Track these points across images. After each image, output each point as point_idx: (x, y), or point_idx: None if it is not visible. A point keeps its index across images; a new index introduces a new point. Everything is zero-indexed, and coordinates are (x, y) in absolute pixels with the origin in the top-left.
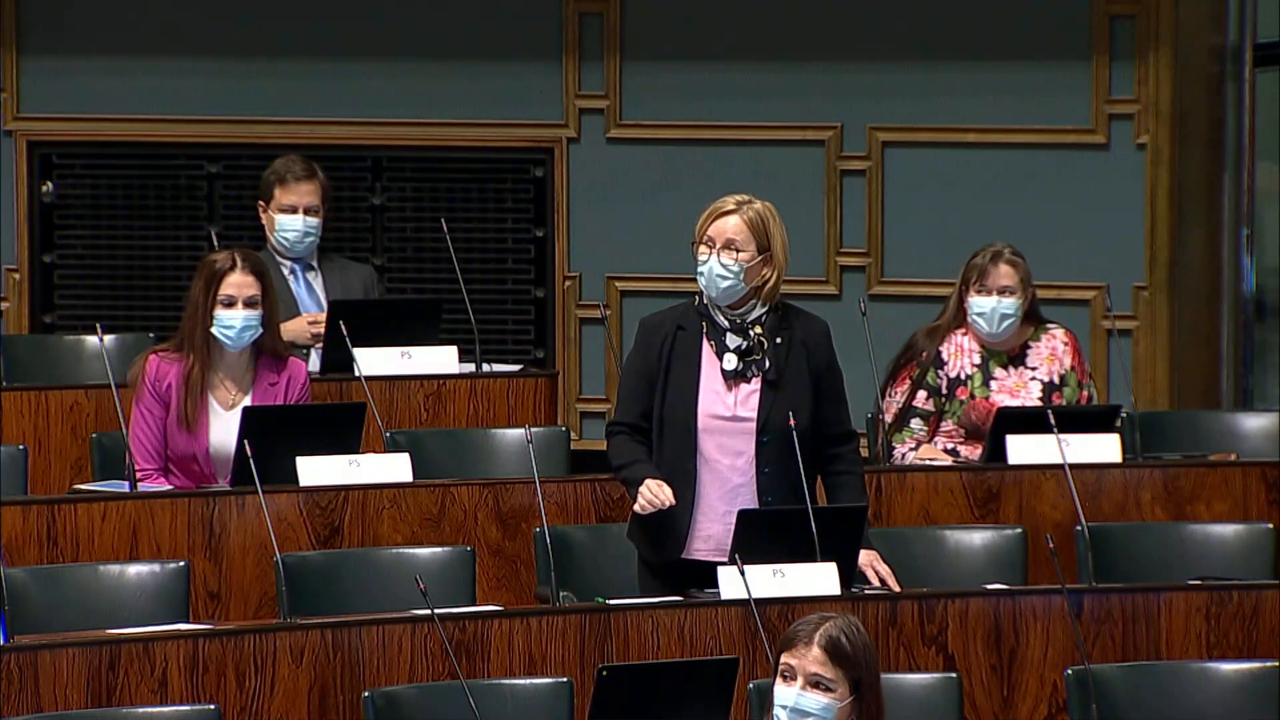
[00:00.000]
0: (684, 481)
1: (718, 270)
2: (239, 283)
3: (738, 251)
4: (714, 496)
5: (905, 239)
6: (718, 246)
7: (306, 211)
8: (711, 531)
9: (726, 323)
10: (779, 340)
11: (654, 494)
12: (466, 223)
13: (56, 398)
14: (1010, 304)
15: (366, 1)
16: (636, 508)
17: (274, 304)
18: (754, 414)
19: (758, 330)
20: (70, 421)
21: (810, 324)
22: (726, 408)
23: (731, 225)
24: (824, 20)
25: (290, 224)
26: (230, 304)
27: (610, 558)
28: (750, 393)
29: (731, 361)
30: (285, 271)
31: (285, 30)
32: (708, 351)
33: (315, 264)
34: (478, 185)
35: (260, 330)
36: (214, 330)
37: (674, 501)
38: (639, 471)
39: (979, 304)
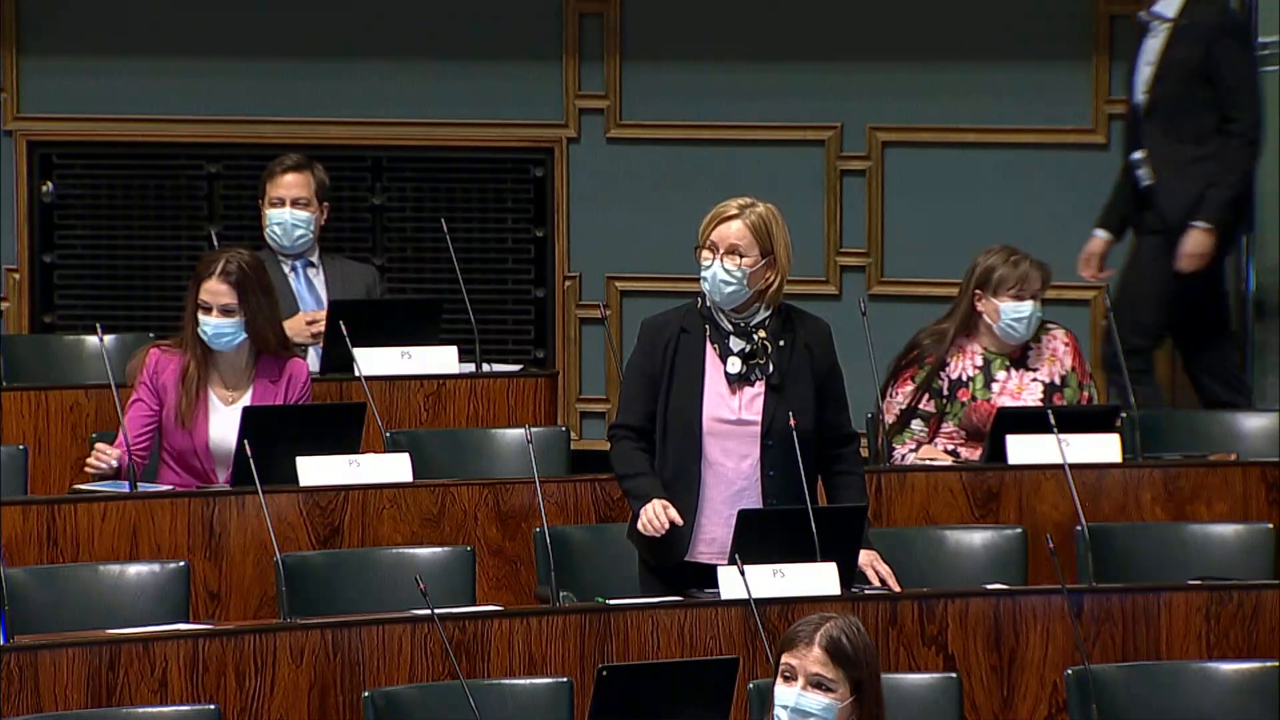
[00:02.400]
0: (688, 484)
1: (721, 275)
2: (213, 290)
3: (741, 256)
4: (718, 500)
5: (905, 239)
6: (721, 252)
7: (294, 204)
8: (715, 534)
9: (730, 326)
10: (782, 343)
11: (658, 516)
12: (466, 223)
13: (56, 398)
14: (1038, 307)
15: (366, 1)
16: (639, 527)
17: (272, 304)
18: (759, 417)
19: (761, 334)
20: (70, 421)
21: (813, 326)
22: (731, 411)
23: (734, 230)
24: (824, 20)
25: (277, 217)
26: (207, 310)
27: (610, 558)
28: (754, 396)
29: (735, 365)
30: (286, 269)
31: (285, 30)
32: (711, 355)
33: (316, 261)
34: (478, 185)
35: (239, 336)
36: (199, 331)
37: (680, 523)
38: (643, 487)
39: (1017, 310)
